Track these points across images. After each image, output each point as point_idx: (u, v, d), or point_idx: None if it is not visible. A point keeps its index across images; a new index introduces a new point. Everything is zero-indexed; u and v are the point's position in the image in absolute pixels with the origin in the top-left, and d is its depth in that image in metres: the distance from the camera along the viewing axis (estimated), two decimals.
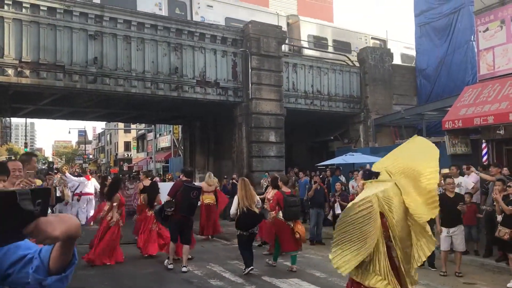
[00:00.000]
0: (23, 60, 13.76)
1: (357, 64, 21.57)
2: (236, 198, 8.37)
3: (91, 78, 15.02)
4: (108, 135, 65.17)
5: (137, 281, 8.00)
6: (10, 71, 13.59)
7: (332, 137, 22.37)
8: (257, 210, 8.14)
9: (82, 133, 70.55)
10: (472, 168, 10.70)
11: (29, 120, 39.19)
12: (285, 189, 9.60)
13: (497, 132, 12.67)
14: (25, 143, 57.33)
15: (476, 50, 15.16)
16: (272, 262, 9.17)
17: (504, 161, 13.44)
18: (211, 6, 19.06)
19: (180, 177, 10.36)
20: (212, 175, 11.83)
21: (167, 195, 8.71)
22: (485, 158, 13.73)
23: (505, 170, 10.14)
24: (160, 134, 37.92)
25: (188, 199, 8.44)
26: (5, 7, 13.52)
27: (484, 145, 13.94)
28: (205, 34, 17.24)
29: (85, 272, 8.33)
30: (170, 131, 33.43)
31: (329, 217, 12.77)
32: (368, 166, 13.59)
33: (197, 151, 22.58)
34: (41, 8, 14.07)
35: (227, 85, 17.70)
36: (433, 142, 16.60)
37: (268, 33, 18.09)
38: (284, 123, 18.56)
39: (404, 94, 21.69)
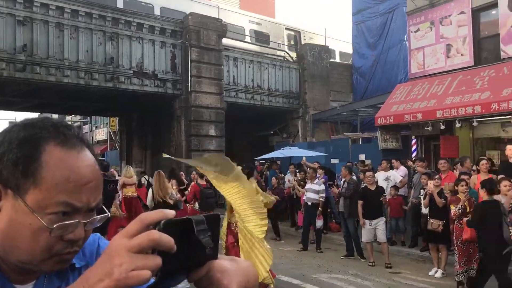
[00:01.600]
0: None
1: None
2: (150, 190, 8.77)
3: (20, 66, 14.25)
4: None
5: None
6: None
7: (272, 132, 22.58)
8: (171, 201, 8.53)
9: None
10: (410, 162, 11.20)
11: None
12: (201, 181, 10.03)
13: (425, 128, 13.27)
14: None
15: (408, 49, 15.80)
16: None
17: (431, 156, 14.14)
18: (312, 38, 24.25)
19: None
20: (131, 168, 11.94)
21: None
22: (414, 153, 14.37)
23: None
24: (96, 127, 36.64)
25: (105, 191, 8.43)
26: None
27: (413, 141, 14.59)
28: (143, 24, 16.82)
29: None
30: (107, 123, 32.41)
31: None
32: (304, 159, 13.88)
33: (134, 145, 22.02)
34: None
35: (166, 77, 17.38)
36: (367, 138, 17.13)
37: (208, 25, 17.92)
38: (225, 117, 18.50)
39: (341, 91, 22.27)
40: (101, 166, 8.07)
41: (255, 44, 22.16)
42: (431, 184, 8.07)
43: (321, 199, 10.49)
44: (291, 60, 21.72)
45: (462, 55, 13.59)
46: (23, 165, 0.89)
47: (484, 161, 8.08)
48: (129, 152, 22.36)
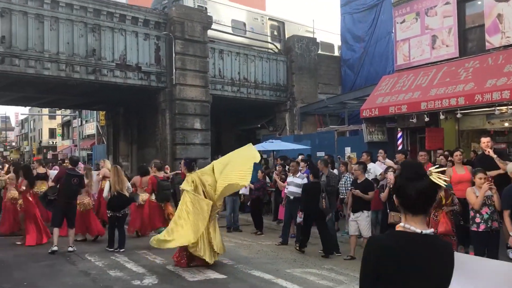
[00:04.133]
0: None
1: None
2: (108, 182, 9.42)
3: None
4: (32, 122, 61.62)
5: (29, 273, 7.45)
6: None
7: (259, 125, 22.36)
8: (127, 194, 9.25)
9: (4, 119, 66.11)
10: (380, 158, 11.03)
11: None
12: (159, 174, 10.63)
13: (410, 120, 13.06)
14: None
15: (394, 41, 15.57)
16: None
17: (417, 148, 13.93)
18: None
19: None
20: (108, 160, 12.20)
21: (51, 181, 9.99)
22: (400, 146, 14.19)
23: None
24: (86, 121, 36.41)
25: (70, 185, 9.10)
26: None
27: (399, 133, 14.39)
28: (125, 16, 16.53)
29: None
30: (96, 117, 32.17)
31: (248, 204, 12.72)
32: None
33: (121, 139, 21.77)
34: None
35: (150, 69, 17.11)
36: (353, 130, 16.82)
37: (192, 17, 17.64)
38: (211, 110, 18.25)
39: (329, 83, 22.05)
40: (71, 161, 8.39)
41: (242, 37, 21.85)
42: (391, 176, 7.88)
43: None
44: (278, 52, 21.44)
45: (447, 46, 13.37)
46: None
47: (458, 153, 7.89)
48: (115, 146, 22.12)
